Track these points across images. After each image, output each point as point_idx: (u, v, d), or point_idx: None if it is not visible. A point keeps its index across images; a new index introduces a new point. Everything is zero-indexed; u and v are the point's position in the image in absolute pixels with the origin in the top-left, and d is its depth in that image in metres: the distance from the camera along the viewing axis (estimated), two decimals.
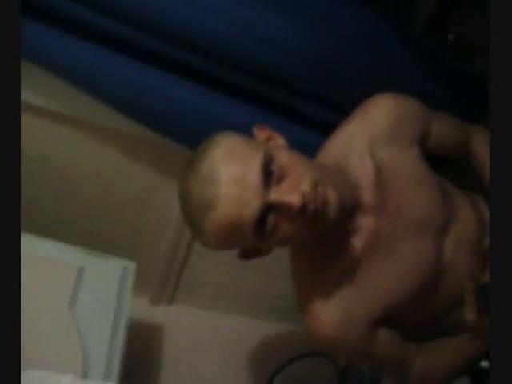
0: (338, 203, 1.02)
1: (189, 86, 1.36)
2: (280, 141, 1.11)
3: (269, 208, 0.98)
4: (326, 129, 1.30)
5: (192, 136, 1.15)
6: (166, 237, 1.75)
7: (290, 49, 1.30)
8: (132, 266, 1.44)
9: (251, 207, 0.96)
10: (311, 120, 1.45)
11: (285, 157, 1.02)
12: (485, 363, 1.30)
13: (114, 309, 1.34)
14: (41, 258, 1.32)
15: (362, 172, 1.16)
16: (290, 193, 0.98)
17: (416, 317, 1.21)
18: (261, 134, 1.12)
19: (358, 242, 1.13)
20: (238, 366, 1.84)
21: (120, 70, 1.33)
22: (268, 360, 1.78)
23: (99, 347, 1.27)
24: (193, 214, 1.01)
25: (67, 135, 1.56)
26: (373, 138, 1.19)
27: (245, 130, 1.11)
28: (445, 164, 1.42)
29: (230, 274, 1.85)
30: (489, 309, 1.05)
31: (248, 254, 1.10)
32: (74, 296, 1.30)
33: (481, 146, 1.35)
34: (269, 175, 0.98)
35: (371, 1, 1.36)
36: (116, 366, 1.27)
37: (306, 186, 0.99)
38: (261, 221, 0.97)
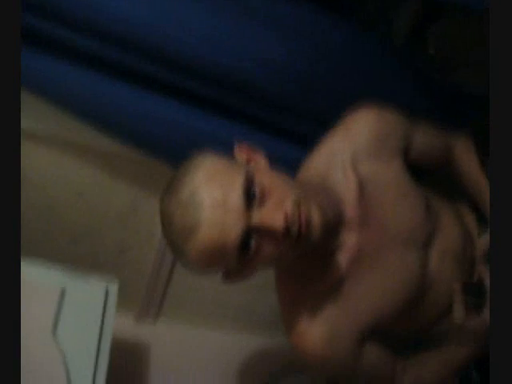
0: (321, 222, 1.01)
1: (171, 104, 1.36)
2: (261, 161, 1.10)
3: (252, 231, 0.96)
4: (308, 143, 1.30)
5: (174, 154, 1.14)
6: (151, 254, 1.73)
7: (271, 65, 1.29)
8: (115, 285, 1.42)
9: (234, 231, 0.95)
10: (293, 134, 1.44)
11: (266, 178, 1.01)
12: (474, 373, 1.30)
13: (98, 330, 1.32)
14: (22, 280, 1.30)
15: (345, 187, 1.15)
16: (273, 215, 0.96)
17: (404, 329, 1.21)
18: (242, 154, 1.10)
19: (342, 258, 1.12)
20: (224, 382, 1.82)
21: (102, 90, 1.32)
22: (255, 374, 1.78)
23: (83, 370, 1.25)
24: (175, 238, 1.00)
25: (48, 154, 1.54)
26: (355, 153, 1.18)
27: (227, 147, 1.10)
28: (428, 175, 1.42)
29: (214, 289, 1.83)
30: (477, 306, 1.04)
31: (232, 276, 1.09)
32: (56, 318, 1.28)
33: (463, 155, 1.35)
34: (251, 198, 0.97)
35: (351, 15, 1.36)
36: None
37: (288, 208, 0.97)
38: (244, 244, 0.96)
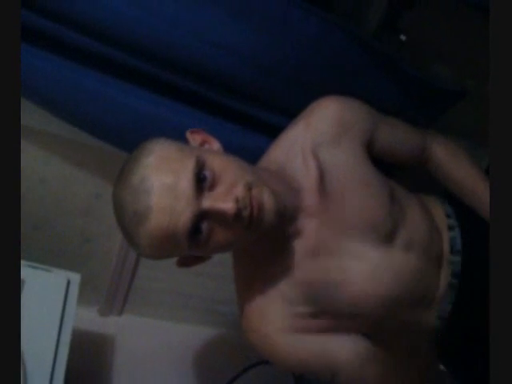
0: (274, 206, 1.00)
1: (134, 91, 1.32)
2: (215, 145, 1.10)
3: (203, 216, 0.96)
4: (272, 132, 1.29)
5: (134, 142, 1.12)
6: (115, 244, 1.70)
7: (239, 52, 1.27)
8: (76, 277, 1.39)
9: (184, 216, 0.94)
10: (259, 125, 1.42)
11: (218, 161, 1.00)
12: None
13: (58, 322, 1.29)
14: None
15: (305, 174, 1.14)
16: (224, 199, 0.96)
17: (368, 322, 1.19)
18: (195, 138, 1.10)
19: (300, 244, 1.12)
20: (189, 375, 1.80)
21: (61, 73, 1.28)
22: (220, 367, 1.77)
23: (42, 361, 1.22)
24: (126, 224, 0.99)
25: None
26: (316, 141, 1.18)
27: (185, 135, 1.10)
28: (398, 169, 1.42)
29: (178, 281, 1.81)
30: None
31: (187, 261, 1.08)
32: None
33: (443, 157, 1.36)
34: (201, 181, 0.96)
35: (324, 4, 1.34)
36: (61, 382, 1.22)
37: (239, 191, 0.97)
38: (195, 229, 0.95)
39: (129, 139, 1.33)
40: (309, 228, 1.12)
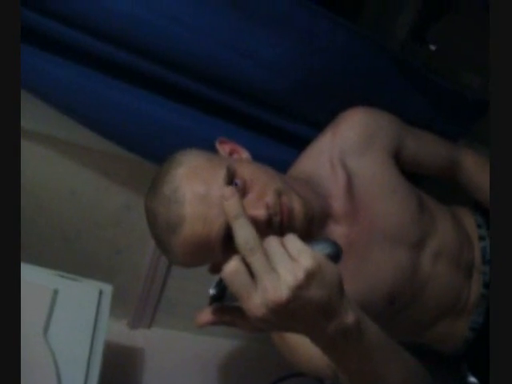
0: (303, 212, 1.02)
1: (160, 102, 1.34)
2: (244, 154, 1.12)
3: None
4: (300, 144, 1.30)
5: (162, 153, 1.13)
6: (145, 256, 1.70)
7: (266, 63, 1.29)
8: (108, 288, 1.39)
9: (217, 223, 0.96)
10: (285, 136, 1.43)
11: (248, 170, 1.02)
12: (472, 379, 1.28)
13: (91, 333, 1.29)
14: None
15: (333, 181, 1.16)
16: (255, 206, 0.97)
17: (396, 331, 1.18)
18: (224, 147, 1.13)
19: None
20: None
21: (93, 86, 1.29)
22: (250, 380, 1.75)
23: (75, 373, 1.21)
24: (160, 234, 1.02)
25: (41, 153, 1.51)
26: (343, 150, 1.20)
27: (214, 145, 1.13)
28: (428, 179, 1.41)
29: (208, 294, 1.79)
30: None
31: (220, 268, 1.07)
32: (47, 321, 1.25)
33: (473, 169, 1.36)
34: None
35: (351, 15, 1.35)
36: None
37: (270, 198, 0.99)
38: (228, 236, 0.96)
39: (156, 150, 1.36)
40: (337, 234, 1.13)
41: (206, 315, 0.81)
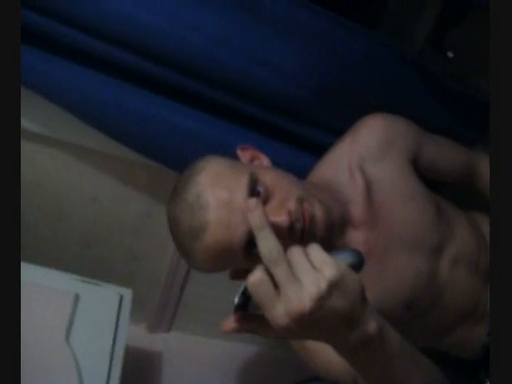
0: (325, 218, 1.03)
1: (179, 109, 1.35)
2: (264, 160, 1.13)
3: None
4: (318, 150, 1.31)
5: (182, 159, 1.15)
6: (164, 262, 1.72)
7: (285, 70, 1.30)
8: (128, 293, 1.41)
9: (240, 230, 0.96)
10: (304, 142, 1.44)
11: (270, 176, 1.03)
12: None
13: (111, 337, 1.30)
14: (35, 285, 1.29)
15: (352, 187, 1.17)
16: (277, 213, 0.98)
17: (415, 337, 1.19)
18: (245, 154, 1.14)
19: None
20: None
21: (108, 93, 1.31)
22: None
23: (96, 377, 1.23)
24: (183, 240, 1.02)
25: (62, 160, 1.53)
26: (362, 156, 1.20)
27: (233, 152, 1.13)
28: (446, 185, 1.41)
29: (227, 299, 1.80)
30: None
31: (240, 273, 1.09)
32: (69, 325, 1.27)
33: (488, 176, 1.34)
34: (255, 196, 0.98)
35: (370, 23, 1.36)
36: None
37: (291, 204, 1.00)
38: (250, 242, 0.96)
39: (175, 157, 1.37)
40: (356, 240, 1.14)
41: (231, 323, 0.82)
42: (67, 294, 1.32)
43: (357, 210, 1.15)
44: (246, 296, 0.80)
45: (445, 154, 1.32)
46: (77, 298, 1.32)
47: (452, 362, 1.25)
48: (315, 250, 0.78)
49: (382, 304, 1.10)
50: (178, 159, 1.30)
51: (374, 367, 0.86)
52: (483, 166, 1.36)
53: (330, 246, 1.10)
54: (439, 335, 1.26)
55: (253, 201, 0.78)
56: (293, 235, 0.98)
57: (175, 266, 1.70)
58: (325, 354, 1.08)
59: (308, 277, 0.74)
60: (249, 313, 0.82)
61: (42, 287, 1.30)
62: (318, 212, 1.02)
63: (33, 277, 1.31)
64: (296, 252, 0.77)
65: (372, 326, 0.79)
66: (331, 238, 1.07)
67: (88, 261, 1.67)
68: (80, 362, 1.21)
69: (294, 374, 1.64)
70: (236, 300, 0.81)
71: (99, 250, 1.68)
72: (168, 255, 1.69)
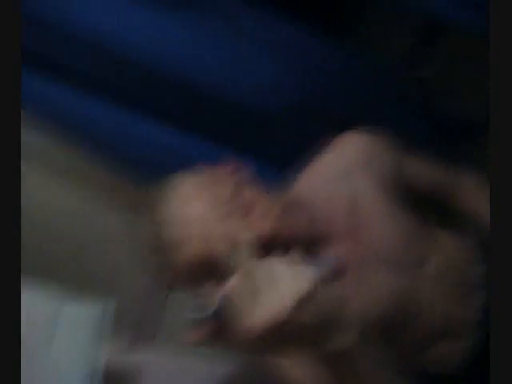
0: (303, 232, 1.07)
1: (154, 125, 1.37)
2: (244, 175, 1.14)
3: None
4: (295, 165, 1.31)
5: (160, 175, 1.16)
6: (145, 277, 1.71)
7: (260, 84, 1.30)
8: (111, 306, 1.40)
9: (218, 244, 0.99)
10: (281, 156, 1.44)
11: (250, 191, 1.06)
12: None
13: (92, 355, 1.30)
14: None
15: (333, 202, 1.18)
16: (257, 226, 1.01)
17: (393, 353, 1.19)
18: (225, 168, 1.14)
19: None
20: None
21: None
22: None
23: None
24: (162, 253, 1.04)
25: (46, 171, 1.54)
26: (343, 173, 1.22)
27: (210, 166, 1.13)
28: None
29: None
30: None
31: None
32: (50, 337, 1.26)
33: (471, 193, 1.36)
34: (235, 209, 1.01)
35: (347, 36, 1.37)
36: None
37: (271, 218, 1.03)
38: (227, 257, 0.98)
39: (151, 171, 1.38)
40: (334, 254, 1.15)
41: (200, 332, 0.83)
42: (49, 308, 1.31)
43: (337, 225, 1.17)
44: (218, 306, 0.81)
45: (425, 171, 1.33)
46: (57, 312, 1.31)
47: (431, 378, 1.25)
48: (292, 261, 0.79)
49: (356, 319, 1.12)
50: (156, 174, 1.31)
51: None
52: (463, 184, 1.37)
53: (307, 258, 1.11)
54: (419, 351, 1.26)
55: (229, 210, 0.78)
56: (272, 248, 1.00)
57: (157, 280, 1.69)
58: (292, 369, 1.09)
59: (284, 287, 0.75)
60: (220, 322, 0.83)
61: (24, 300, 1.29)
62: (298, 226, 1.05)
63: None
64: (272, 262, 0.78)
65: (346, 339, 0.80)
66: (310, 251, 1.08)
67: (69, 275, 1.65)
68: (60, 375, 1.20)
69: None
70: (194, 314, 0.82)
71: (79, 263, 1.67)
72: (148, 269, 1.68)
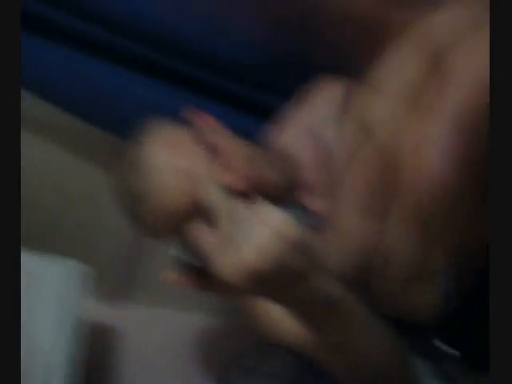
0: (277, 181, 1.06)
1: (133, 77, 1.35)
2: (217, 124, 1.13)
3: None
4: (268, 115, 1.31)
5: (129, 127, 1.15)
6: (121, 235, 1.72)
7: (238, 36, 1.30)
8: (89, 268, 1.41)
9: (190, 192, 0.99)
10: (253, 106, 1.44)
11: (223, 140, 1.05)
12: None
13: (72, 315, 1.31)
14: None
15: (308, 153, 1.18)
16: (229, 174, 1.00)
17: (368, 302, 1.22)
18: (195, 118, 1.14)
19: None
20: (194, 362, 1.83)
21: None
22: (229, 352, 1.78)
23: (59, 354, 1.24)
24: (131, 203, 1.06)
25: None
26: (319, 122, 1.21)
27: (180, 117, 1.14)
28: None
29: None
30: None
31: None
32: (28, 303, 1.27)
33: None
34: (211, 162, 1.02)
35: None
36: (78, 374, 1.26)
37: (245, 168, 1.02)
38: (200, 204, 0.99)
39: (122, 124, 1.35)
40: (310, 204, 1.15)
41: (175, 274, 0.85)
42: (25, 272, 1.31)
43: (312, 176, 1.17)
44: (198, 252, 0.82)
45: None
46: (35, 275, 1.32)
47: (405, 327, 1.29)
48: (266, 205, 0.80)
49: (334, 267, 1.12)
50: (125, 126, 1.31)
51: (329, 330, 0.89)
52: None
53: (287, 207, 1.12)
54: (391, 299, 1.28)
55: (202, 152, 0.85)
56: (245, 199, 0.99)
57: (132, 238, 1.71)
58: (275, 318, 1.11)
59: (263, 231, 0.77)
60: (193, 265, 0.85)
61: None
62: (272, 176, 1.05)
63: None
64: (253, 208, 0.79)
65: (333, 290, 0.81)
66: (283, 202, 1.07)
67: (46, 237, 1.66)
68: (41, 340, 1.21)
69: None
70: (176, 253, 0.84)
71: (59, 225, 1.67)
72: (126, 228, 1.68)
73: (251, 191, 1.00)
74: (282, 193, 1.10)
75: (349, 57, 1.36)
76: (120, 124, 1.38)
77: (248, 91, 1.40)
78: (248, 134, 1.19)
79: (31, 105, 1.39)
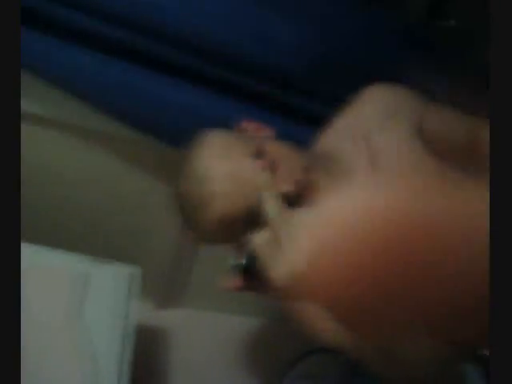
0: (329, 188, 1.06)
1: (180, 86, 1.36)
2: (268, 132, 1.15)
3: None
4: (318, 123, 1.30)
5: (184, 137, 1.16)
6: (172, 239, 1.73)
7: (282, 46, 1.30)
8: (138, 270, 1.42)
9: (247, 200, 1.00)
10: (303, 115, 1.44)
11: (275, 148, 1.06)
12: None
13: (122, 316, 1.32)
14: (45, 267, 1.30)
15: (357, 157, 1.17)
16: (284, 182, 1.01)
17: None
18: (249, 127, 1.15)
19: None
20: (247, 366, 1.83)
21: (111, 72, 1.33)
22: (277, 358, 1.77)
23: (109, 356, 1.25)
24: (189, 212, 1.06)
25: (65, 142, 1.54)
26: (365, 126, 1.20)
27: (232, 127, 1.16)
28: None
29: None
30: None
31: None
32: (81, 304, 1.28)
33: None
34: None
35: None
36: (127, 375, 1.26)
37: (298, 175, 1.03)
38: (257, 213, 0.99)
39: (176, 134, 1.37)
40: None
41: (234, 280, 0.86)
42: (77, 274, 1.33)
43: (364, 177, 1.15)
44: (250, 258, 0.83)
45: (449, 121, 1.31)
46: (87, 277, 1.33)
47: None
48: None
49: None
50: (179, 136, 1.31)
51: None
52: (486, 134, 1.35)
53: None
54: None
55: (259, 163, 0.86)
56: (298, 205, 1.00)
57: (183, 242, 1.71)
58: (322, 321, 1.10)
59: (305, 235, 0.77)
60: (252, 272, 0.86)
61: (51, 269, 1.31)
62: (323, 182, 1.05)
63: (42, 259, 1.32)
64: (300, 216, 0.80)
65: None
66: None
67: (95, 241, 1.66)
68: (93, 342, 1.22)
69: (303, 344, 1.65)
70: (233, 261, 0.85)
71: (106, 229, 1.69)
72: (175, 232, 1.69)
73: (304, 199, 1.02)
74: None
75: None
76: (172, 133, 1.39)
77: (294, 98, 1.41)
78: (300, 142, 1.19)
79: (79, 114, 1.42)
